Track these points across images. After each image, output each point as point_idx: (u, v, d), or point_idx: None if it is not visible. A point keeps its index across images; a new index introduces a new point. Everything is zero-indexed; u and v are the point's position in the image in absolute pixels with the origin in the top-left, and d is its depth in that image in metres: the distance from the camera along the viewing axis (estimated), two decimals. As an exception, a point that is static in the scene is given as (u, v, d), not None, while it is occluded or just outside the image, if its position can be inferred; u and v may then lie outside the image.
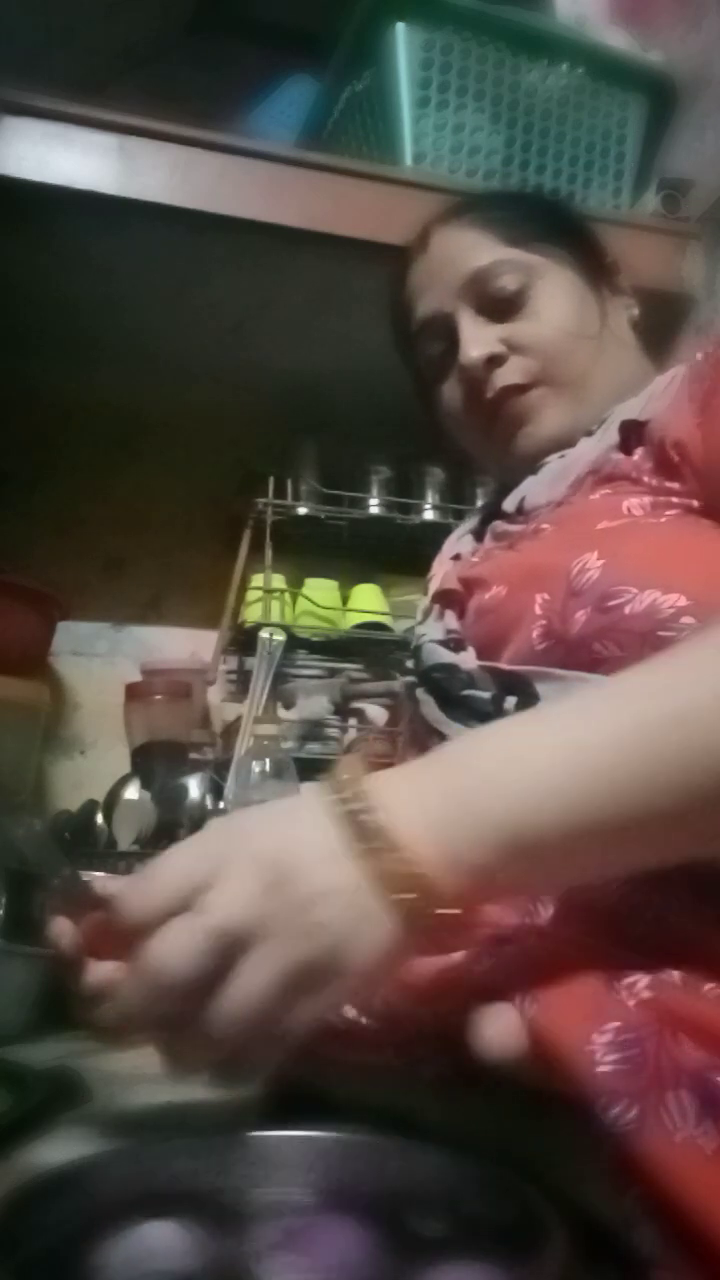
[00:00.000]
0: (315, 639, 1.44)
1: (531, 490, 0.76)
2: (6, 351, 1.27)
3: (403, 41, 1.14)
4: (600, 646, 0.59)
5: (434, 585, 0.82)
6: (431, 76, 1.16)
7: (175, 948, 0.41)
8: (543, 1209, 0.38)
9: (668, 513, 0.65)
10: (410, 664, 0.80)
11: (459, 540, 0.87)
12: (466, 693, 0.69)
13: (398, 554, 1.51)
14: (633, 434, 0.70)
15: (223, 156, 1.08)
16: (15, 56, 1.07)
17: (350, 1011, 0.60)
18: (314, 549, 1.48)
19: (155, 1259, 0.39)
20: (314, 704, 1.42)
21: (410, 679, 0.78)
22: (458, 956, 0.52)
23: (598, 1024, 0.40)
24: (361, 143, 1.23)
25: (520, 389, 0.77)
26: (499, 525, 0.79)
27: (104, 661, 1.50)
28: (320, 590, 1.44)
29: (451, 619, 0.76)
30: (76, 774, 1.44)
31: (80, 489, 1.49)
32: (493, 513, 0.83)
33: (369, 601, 1.47)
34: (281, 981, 0.41)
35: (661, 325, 1.24)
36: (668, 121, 1.28)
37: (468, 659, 0.71)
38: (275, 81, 1.38)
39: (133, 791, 1.28)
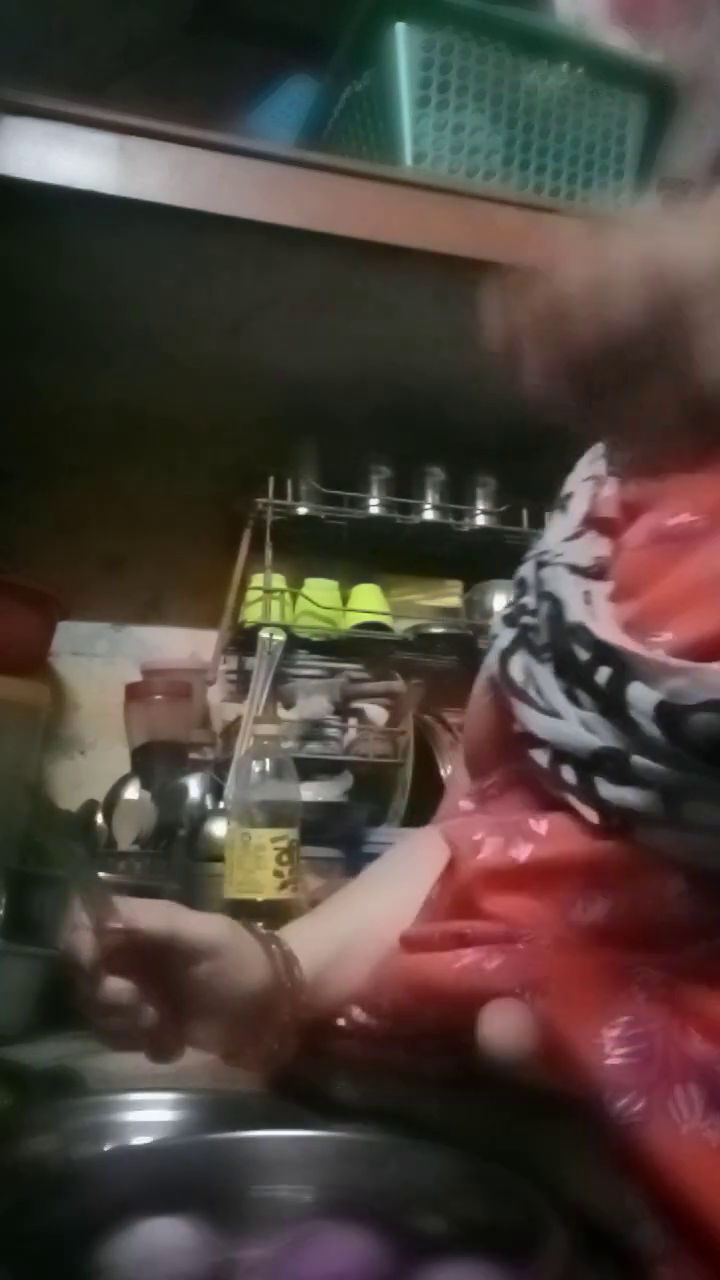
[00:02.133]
0: (315, 639, 1.44)
1: None
2: (6, 351, 1.27)
3: (403, 41, 1.14)
4: None
5: (581, 504, 0.72)
6: (431, 76, 1.16)
7: None
8: (543, 1209, 0.38)
9: None
10: (509, 605, 0.70)
11: (594, 462, 0.77)
12: (567, 640, 0.60)
13: (398, 554, 1.52)
14: None
15: (223, 156, 1.08)
16: (15, 56, 1.07)
17: (356, 1011, 0.60)
18: (314, 549, 1.48)
19: (155, 1259, 0.39)
20: (314, 704, 1.42)
21: (506, 610, 0.69)
22: (468, 954, 0.52)
23: (607, 1018, 0.40)
24: (361, 143, 1.23)
25: None
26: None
27: (104, 661, 1.50)
28: (320, 590, 1.44)
29: (604, 546, 0.66)
30: (76, 774, 1.44)
31: (80, 489, 1.49)
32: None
33: (369, 601, 1.47)
34: None
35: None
36: (668, 121, 1.28)
37: (595, 595, 0.62)
38: (275, 81, 1.38)
39: (133, 791, 1.28)
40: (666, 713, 0.51)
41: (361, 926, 0.67)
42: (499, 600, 1.49)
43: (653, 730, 0.52)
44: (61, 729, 1.45)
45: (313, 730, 1.41)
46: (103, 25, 1.33)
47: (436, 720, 1.35)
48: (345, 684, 1.46)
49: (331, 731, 1.42)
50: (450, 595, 1.53)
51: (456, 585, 1.54)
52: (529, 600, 0.66)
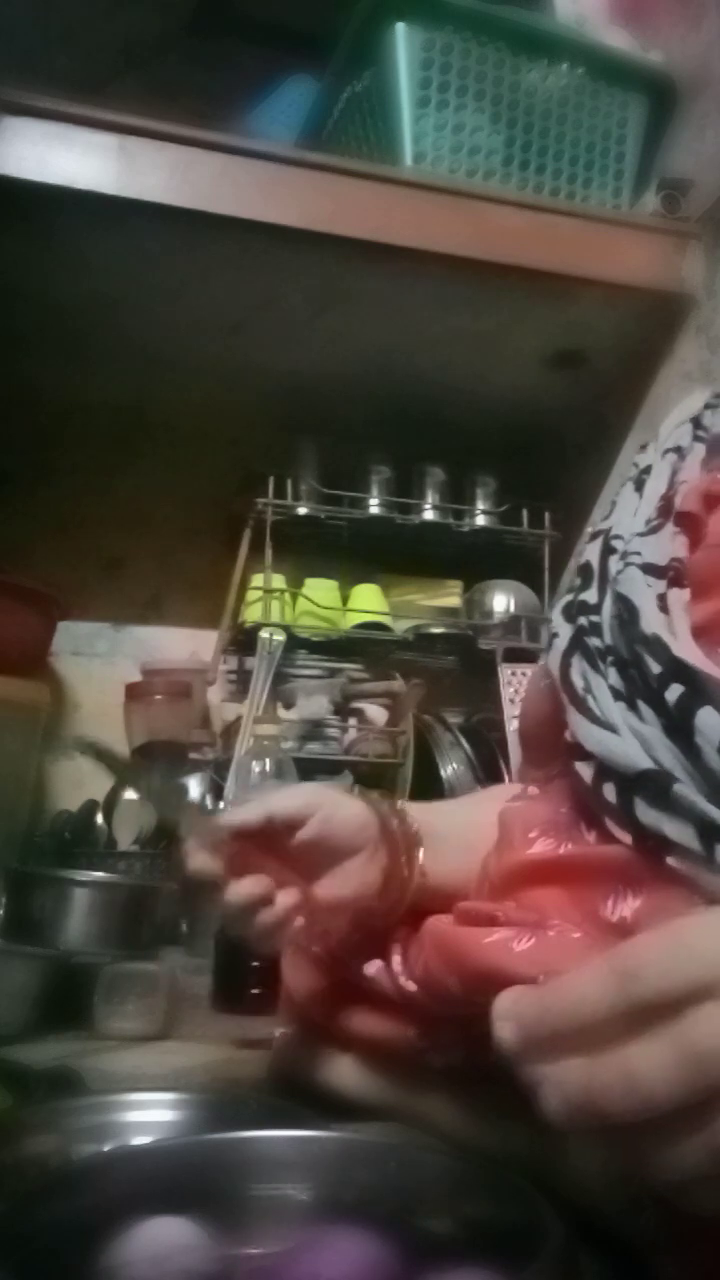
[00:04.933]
0: (315, 639, 1.44)
1: None
2: (6, 351, 1.27)
3: (403, 41, 1.14)
4: None
5: (659, 483, 0.64)
6: (431, 76, 1.16)
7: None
8: (543, 1209, 0.38)
9: None
10: (570, 595, 0.63)
11: (677, 428, 0.68)
12: (638, 648, 0.54)
13: (398, 554, 1.52)
14: None
15: (223, 156, 1.08)
16: (15, 56, 1.07)
17: (400, 969, 0.61)
18: (314, 549, 1.48)
19: (156, 1258, 0.39)
20: (314, 704, 1.42)
21: (566, 599, 0.63)
22: (498, 932, 0.51)
23: None
24: (361, 143, 1.23)
25: None
26: None
27: (104, 661, 1.50)
28: (320, 590, 1.44)
29: (682, 545, 0.59)
30: (76, 774, 1.44)
31: (80, 489, 1.49)
32: None
33: (369, 601, 1.47)
34: None
35: (661, 325, 1.24)
36: (668, 121, 1.28)
37: (673, 603, 0.56)
38: (275, 81, 1.38)
39: (133, 791, 1.28)
40: None
41: (469, 819, 0.70)
42: (499, 600, 1.49)
43: (716, 761, 0.48)
44: (61, 729, 1.45)
45: (313, 730, 1.41)
46: (103, 25, 1.33)
47: (436, 720, 1.35)
48: (345, 684, 1.46)
49: (331, 731, 1.42)
50: (450, 595, 1.53)
51: (456, 585, 1.54)
52: (590, 595, 0.60)
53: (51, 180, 1.02)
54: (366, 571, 1.50)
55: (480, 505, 1.49)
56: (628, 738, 0.51)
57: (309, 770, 1.30)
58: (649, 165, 1.29)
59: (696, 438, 0.65)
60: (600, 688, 0.55)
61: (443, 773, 1.26)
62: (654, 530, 0.61)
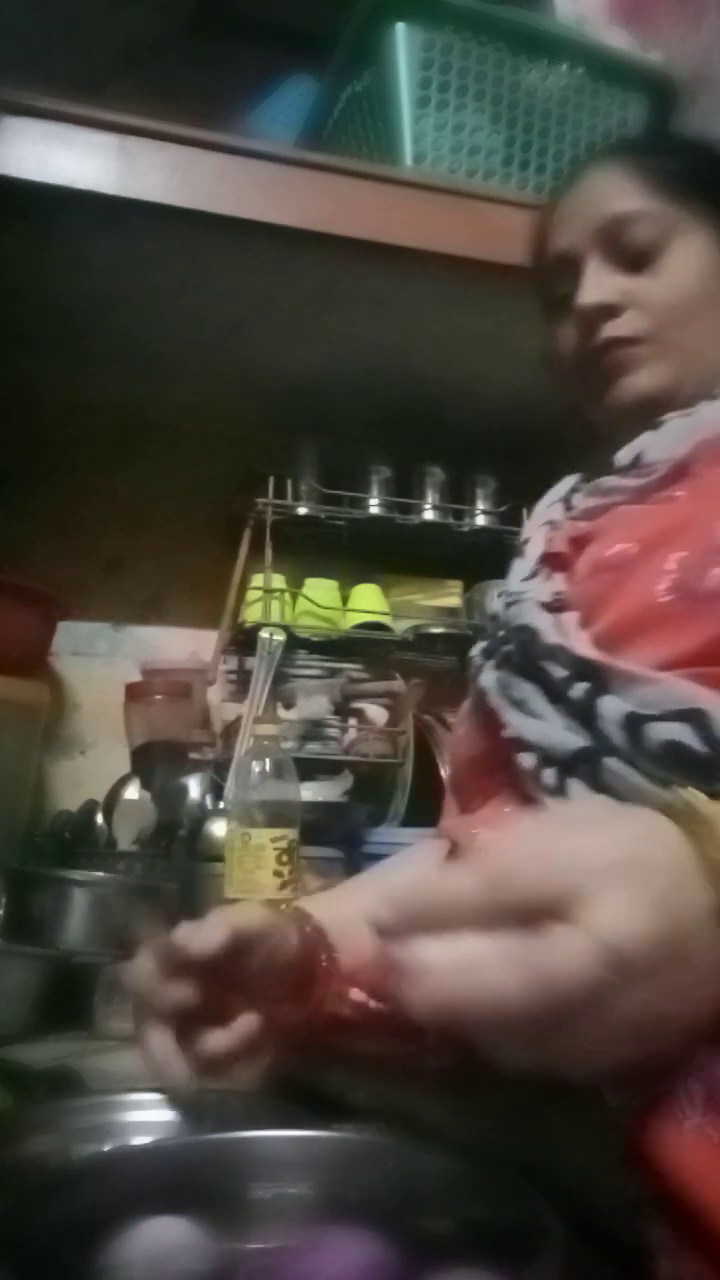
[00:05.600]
0: (315, 639, 1.44)
1: (650, 445, 0.73)
2: (6, 351, 1.27)
3: (403, 41, 1.14)
4: None
5: (536, 547, 0.78)
6: (431, 76, 1.16)
7: None
8: (543, 1210, 0.38)
9: None
10: (486, 632, 0.77)
11: (549, 507, 0.83)
12: (544, 662, 0.65)
13: (398, 554, 1.52)
14: None
15: (223, 156, 1.08)
16: (15, 56, 1.07)
17: (360, 996, 0.60)
18: (314, 549, 1.48)
19: (156, 1258, 0.39)
20: (314, 704, 1.42)
21: (483, 644, 0.75)
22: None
23: None
24: (361, 143, 1.23)
25: (629, 342, 0.75)
26: (608, 481, 0.76)
27: (104, 661, 1.50)
28: (320, 590, 1.44)
29: (560, 582, 0.72)
30: (76, 774, 1.44)
31: (80, 489, 1.49)
32: (590, 475, 0.80)
33: (369, 601, 1.47)
34: None
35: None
36: (668, 121, 1.28)
37: (565, 623, 0.67)
38: (275, 81, 1.38)
39: (133, 791, 1.28)
40: (633, 722, 0.56)
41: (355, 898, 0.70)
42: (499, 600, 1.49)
43: (618, 738, 0.57)
44: (61, 729, 1.45)
45: (313, 730, 1.41)
46: (103, 25, 1.33)
47: (436, 720, 1.35)
48: (345, 684, 1.46)
49: (331, 731, 1.42)
50: (450, 595, 1.53)
51: (456, 585, 1.54)
52: (504, 634, 0.71)
53: (51, 180, 1.02)
54: (366, 571, 1.50)
55: (480, 505, 1.49)
56: (557, 726, 0.61)
57: (309, 770, 1.30)
58: (649, 165, 1.29)
59: (567, 515, 0.78)
60: (531, 694, 0.65)
61: (442, 773, 1.26)
62: (534, 575, 0.75)
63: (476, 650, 0.76)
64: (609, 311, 0.75)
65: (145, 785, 1.28)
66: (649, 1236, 0.39)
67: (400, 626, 1.46)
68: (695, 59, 1.24)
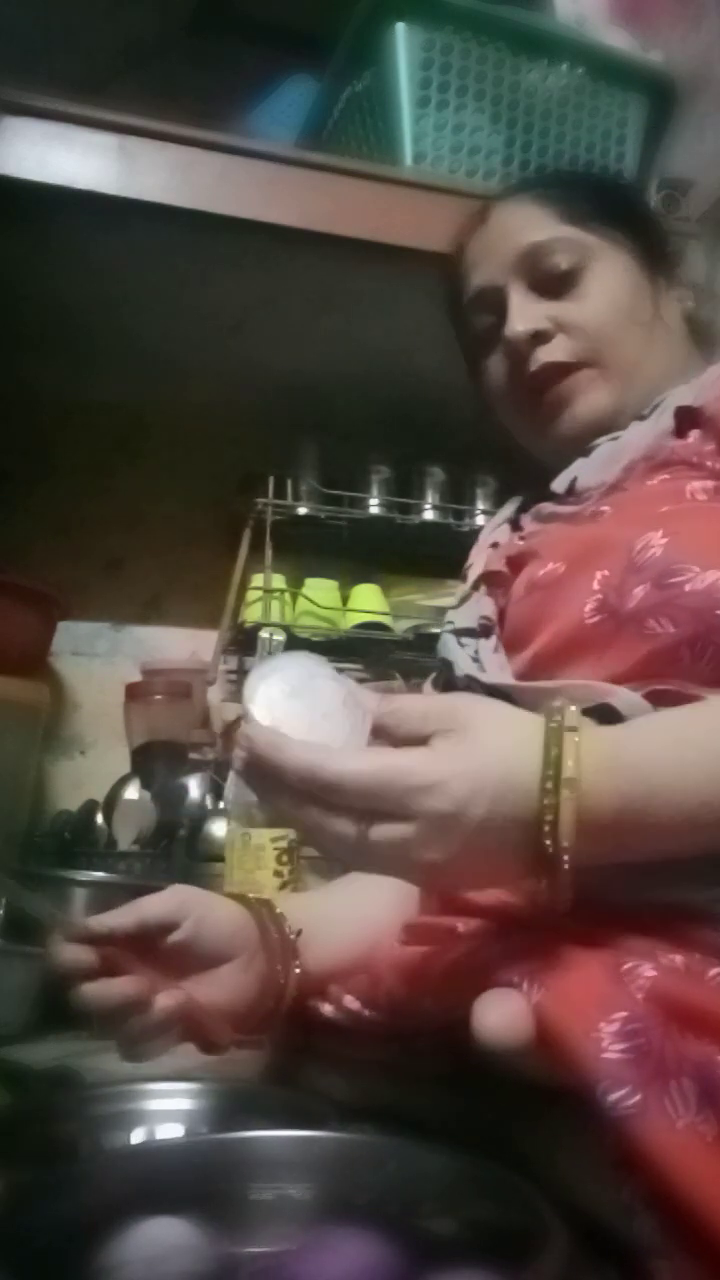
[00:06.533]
0: (315, 639, 1.43)
1: (583, 471, 0.75)
2: (6, 351, 1.27)
3: (403, 41, 1.14)
4: (654, 623, 0.59)
5: (475, 571, 0.81)
6: (431, 76, 1.16)
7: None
8: (543, 1209, 0.38)
9: None
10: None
11: (495, 529, 0.86)
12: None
13: (398, 554, 1.51)
14: (686, 419, 0.70)
15: (223, 156, 1.08)
16: (15, 56, 1.07)
17: (354, 1004, 0.60)
18: (314, 549, 1.48)
19: (155, 1258, 0.39)
20: (314, 704, 1.41)
21: (432, 675, 0.80)
22: (462, 946, 0.52)
23: (605, 1013, 0.40)
24: (361, 143, 1.23)
25: (563, 368, 0.77)
26: (546, 507, 0.78)
27: (104, 661, 1.50)
28: (320, 590, 1.44)
29: (488, 604, 0.75)
30: (76, 774, 1.44)
31: (80, 489, 1.49)
32: (534, 498, 0.82)
33: (369, 601, 1.47)
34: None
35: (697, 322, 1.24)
36: (668, 121, 1.28)
37: (482, 650, 0.71)
38: (275, 81, 1.38)
39: (133, 791, 1.28)
40: None
41: (356, 900, 0.70)
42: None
43: None
44: (61, 729, 1.45)
45: (313, 730, 1.40)
46: (103, 25, 1.33)
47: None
48: (345, 684, 1.46)
49: (331, 731, 1.42)
50: (450, 595, 1.53)
51: (456, 585, 1.53)
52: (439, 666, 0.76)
53: (51, 180, 1.02)
54: (366, 571, 1.50)
55: (480, 505, 1.49)
56: None
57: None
58: (649, 165, 1.29)
59: (514, 535, 0.81)
60: None
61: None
62: (464, 601, 0.78)
63: (427, 684, 0.81)
64: (539, 338, 0.77)
65: (145, 785, 1.28)
66: (645, 1234, 0.39)
67: (400, 626, 1.46)
68: (695, 59, 1.24)
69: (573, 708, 0.47)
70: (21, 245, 1.10)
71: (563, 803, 0.45)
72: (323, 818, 0.46)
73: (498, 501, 1.49)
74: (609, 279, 0.77)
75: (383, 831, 0.45)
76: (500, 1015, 0.42)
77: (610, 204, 0.81)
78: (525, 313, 0.77)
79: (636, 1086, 0.38)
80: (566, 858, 0.45)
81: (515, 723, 0.49)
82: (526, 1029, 0.42)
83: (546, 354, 0.77)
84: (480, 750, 0.46)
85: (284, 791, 0.47)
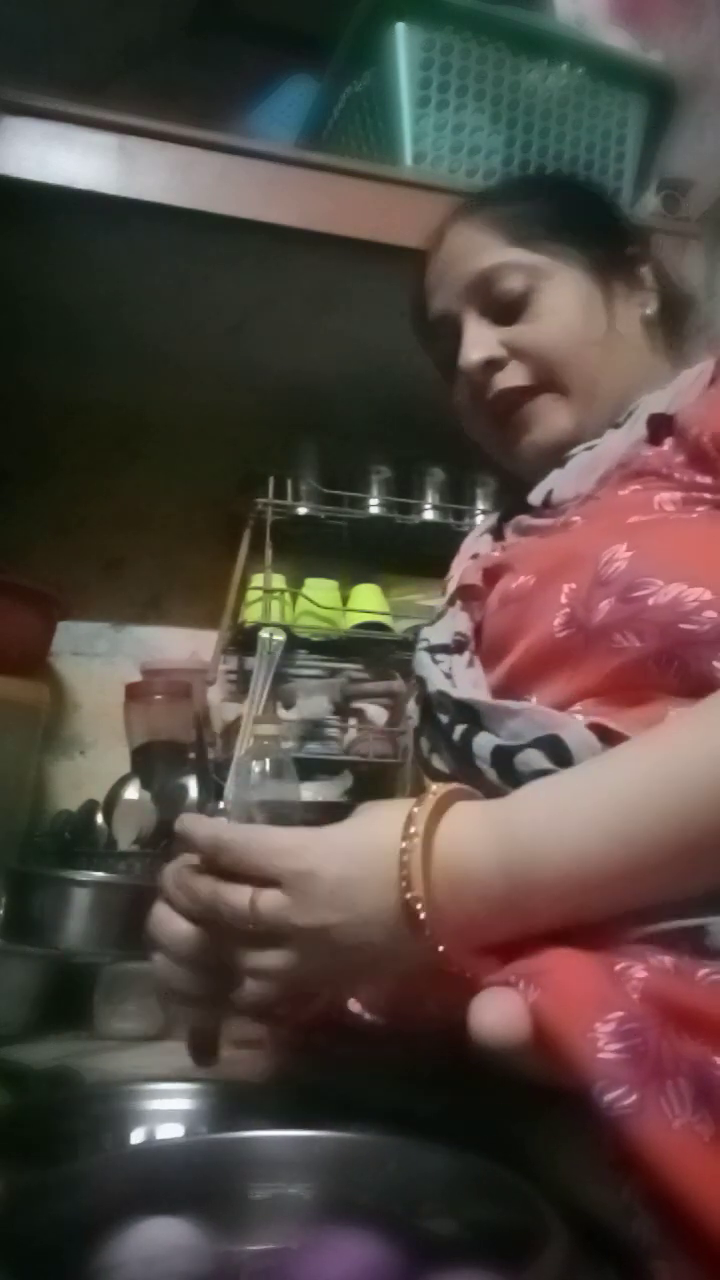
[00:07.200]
0: (315, 639, 1.44)
1: (559, 483, 0.75)
2: (6, 351, 1.27)
3: (403, 41, 1.14)
4: (620, 637, 0.59)
5: (453, 584, 0.81)
6: (431, 76, 1.16)
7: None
8: (543, 1209, 0.38)
9: (698, 509, 0.65)
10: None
11: (477, 540, 0.87)
12: (435, 711, 0.69)
13: (398, 554, 1.51)
14: (661, 427, 0.70)
15: (223, 156, 1.08)
16: (15, 56, 1.07)
17: (355, 1007, 0.60)
18: (314, 549, 1.48)
19: (155, 1259, 0.39)
20: (314, 704, 1.42)
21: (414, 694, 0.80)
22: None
23: (601, 1013, 0.40)
24: (361, 143, 1.23)
25: (522, 392, 0.77)
26: (524, 520, 0.79)
27: (104, 661, 1.50)
28: (320, 590, 1.44)
29: (463, 620, 0.75)
30: (76, 774, 1.44)
31: (80, 489, 1.49)
32: (513, 509, 0.82)
33: (369, 601, 1.47)
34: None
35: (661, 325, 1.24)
36: (668, 121, 1.28)
37: (455, 666, 0.71)
38: (275, 81, 1.38)
39: (133, 791, 1.28)
40: (501, 755, 0.60)
41: None
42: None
43: (491, 774, 0.60)
44: (61, 729, 1.45)
45: (313, 730, 1.41)
46: (103, 25, 1.33)
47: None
48: (345, 684, 1.46)
49: (331, 731, 1.42)
50: (450, 595, 1.53)
51: (456, 585, 1.54)
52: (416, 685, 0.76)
53: (51, 180, 1.02)
54: (366, 571, 1.50)
55: (480, 505, 1.49)
56: (449, 773, 0.66)
57: (309, 770, 1.30)
58: (649, 165, 1.29)
59: (494, 547, 0.81)
60: (436, 741, 0.70)
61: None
62: (439, 617, 0.78)
63: (411, 701, 0.80)
64: (493, 365, 0.77)
65: (145, 785, 1.28)
66: (643, 1234, 0.40)
67: (400, 626, 1.46)
68: (695, 59, 1.24)
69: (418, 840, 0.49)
70: (21, 245, 1.10)
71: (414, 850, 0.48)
72: (217, 884, 0.51)
73: (497, 502, 1.49)
74: (559, 299, 0.77)
75: (266, 898, 0.49)
76: (497, 1015, 0.42)
77: (562, 216, 0.80)
78: (478, 341, 0.78)
79: (633, 1086, 0.38)
80: (420, 905, 0.47)
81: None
82: (524, 1028, 0.42)
83: (503, 380, 0.77)
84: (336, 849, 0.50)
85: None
